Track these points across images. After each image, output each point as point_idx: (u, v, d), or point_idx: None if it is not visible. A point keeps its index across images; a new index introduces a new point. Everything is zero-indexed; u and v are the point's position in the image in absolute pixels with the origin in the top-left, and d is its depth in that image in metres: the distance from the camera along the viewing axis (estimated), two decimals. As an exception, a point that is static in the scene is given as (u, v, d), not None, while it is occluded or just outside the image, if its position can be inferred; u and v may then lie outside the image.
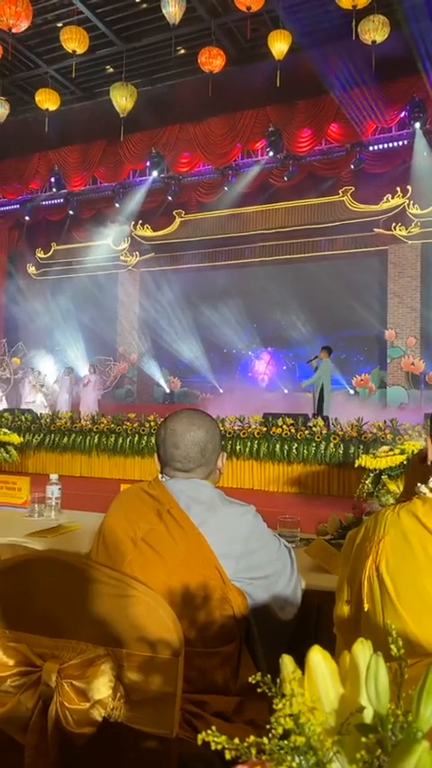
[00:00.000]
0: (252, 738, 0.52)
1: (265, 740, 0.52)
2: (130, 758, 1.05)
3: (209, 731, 0.53)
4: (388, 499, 4.78)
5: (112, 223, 14.90)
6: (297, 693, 0.54)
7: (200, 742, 0.53)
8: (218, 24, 9.64)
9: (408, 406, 11.73)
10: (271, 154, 12.15)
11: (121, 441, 8.60)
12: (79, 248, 15.74)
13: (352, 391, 13.22)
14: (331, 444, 7.46)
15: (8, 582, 1.12)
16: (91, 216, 14.88)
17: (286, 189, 12.97)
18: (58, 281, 16.17)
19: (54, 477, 2.72)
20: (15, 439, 8.21)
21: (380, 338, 13.26)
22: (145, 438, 8.42)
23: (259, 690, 0.57)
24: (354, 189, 12.78)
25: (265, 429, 7.88)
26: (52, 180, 13.96)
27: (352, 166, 11.96)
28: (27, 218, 15.02)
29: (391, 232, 12.69)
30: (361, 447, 7.19)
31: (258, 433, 7.85)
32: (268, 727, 0.53)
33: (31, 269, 16.47)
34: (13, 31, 7.87)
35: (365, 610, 1.06)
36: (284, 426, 7.77)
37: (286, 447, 7.66)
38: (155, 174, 13.30)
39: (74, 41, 8.72)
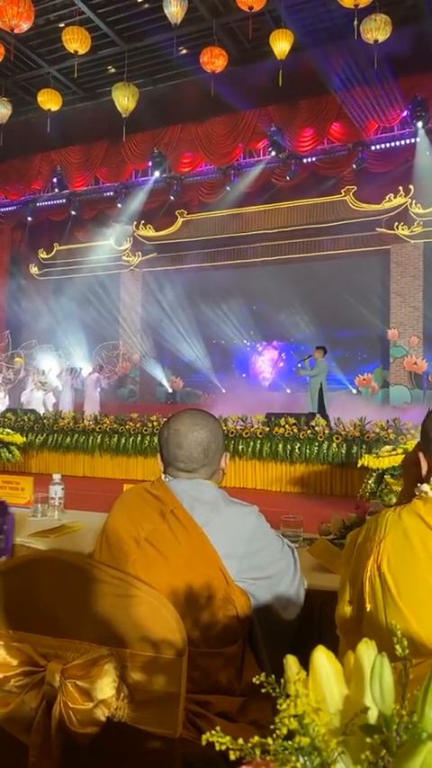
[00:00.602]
0: (256, 739, 0.52)
1: (270, 741, 0.52)
2: (133, 758, 1.05)
3: (213, 732, 0.53)
4: (391, 499, 4.78)
5: (115, 223, 14.92)
6: (301, 694, 0.54)
7: (204, 742, 0.53)
8: (219, 24, 9.64)
9: (410, 405, 11.70)
10: (273, 153, 12.15)
11: (123, 441, 8.61)
12: (81, 248, 15.76)
13: (354, 391, 13.21)
14: (334, 444, 7.45)
15: (11, 582, 1.12)
16: (93, 216, 14.90)
17: (288, 188, 12.96)
18: (61, 282, 16.19)
19: (57, 477, 2.72)
20: (18, 439, 8.23)
21: (382, 338, 13.24)
22: (148, 438, 8.43)
23: (263, 690, 0.57)
24: (356, 188, 12.77)
25: (267, 429, 7.88)
26: (54, 180, 13.98)
27: (354, 166, 11.94)
28: (29, 218, 15.04)
29: (393, 231, 12.67)
30: (364, 447, 7.18)
31: (261, 433, 7.85)
32: (272, 727, 0.52)
33: (34, 269, 16.50)
34: (15, 31, 7.87)
35: (368, 610, 1.06)
36: (287, 426, 7.77)
37: (289, 447, 7.66)
38: (157, 174, 13.31)
39: (76, 42, 8.72)
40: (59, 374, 14.40)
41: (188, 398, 14.67)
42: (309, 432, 7.66)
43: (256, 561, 1.44)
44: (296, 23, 9.00)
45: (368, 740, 0.52)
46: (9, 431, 8.38)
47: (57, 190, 14.24)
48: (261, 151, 12.44)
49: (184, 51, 10.27)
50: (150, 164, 13.03)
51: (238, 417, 8.28)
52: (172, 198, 13.70)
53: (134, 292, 15.75)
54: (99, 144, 13.00)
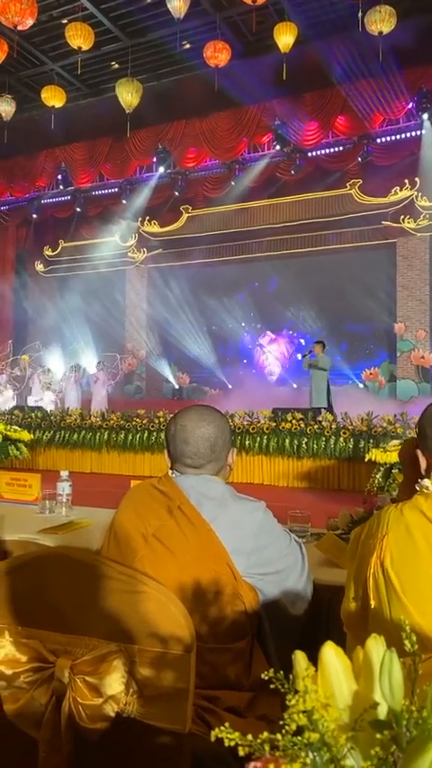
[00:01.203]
0: (265, 734, 0.52)
1: (279, 736, 0.52)
2: (142, 753, 1.05)
3: (222, 727, 0.53)
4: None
5: (120, 219, 14.91)
6: (310, 690, 0.54)
7: (213, 738, 0.53)
8: (223, 18, 9.59)
9: (418, 399, 11.66)
10: (278, 147, 12.10)
11: (130, 437, 8.63)
12: (87, 245, 15.77)
13: (361, 385, 13.18)
14: (341, 439, 7.44)
15: (20, 579, 1.13)
16: (98, 213, 14.88)
17: (293, 183, 12.90)
18: (66, 279, 16.20)
19: (64, 473, 2.73)
20: (26, 436, 8.23)
21: (389, 331, 13.19)
22: (154, 434, 8.44)
23: (272, 686, 0.57)
24: (361, 182, 12.70)
25: (274, 424, 7.87)
26: (59, 177, 13.99)
27: (359, 159, 11.88)
28: (34, 215, 15.05)
29: (399, 224, 12.61)
30: (371, 441, 7.16)
31: (268, 428, 7.84)
32: (281, 723, 0.52)
33: (39, 266, 16.52)
34: (19, 28, 7.86)
35: (372, 606, 1.06)
36: (294, 421, 7.75)
37: (296, 442, 7.64)
38: (161, 169, 13.29)
39: (79, 38, 8.71)
40: (64, 372, 14.43)
41: (194, 394, 14.67)
42: (316, 426, 7.65)
43: (263, 557, 1.44)
44: (300, 16, 8.95)
45: (378, 736, 0.52)
46: (16, 428, 8.39)
47: (61, 187, 14.25)
48: (265, 145, 12.39)
49: (188, 46, 10.23)
50: (155, 159, 13.02)
51: (245, 413, 8.27)
52: (177, 193, 13.67)
53: (139, 288, 15.75)
54: (103, 140, 12.98)
